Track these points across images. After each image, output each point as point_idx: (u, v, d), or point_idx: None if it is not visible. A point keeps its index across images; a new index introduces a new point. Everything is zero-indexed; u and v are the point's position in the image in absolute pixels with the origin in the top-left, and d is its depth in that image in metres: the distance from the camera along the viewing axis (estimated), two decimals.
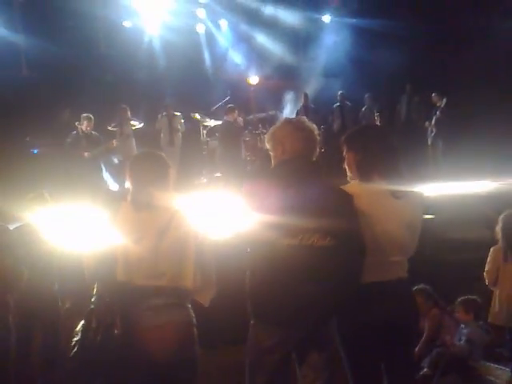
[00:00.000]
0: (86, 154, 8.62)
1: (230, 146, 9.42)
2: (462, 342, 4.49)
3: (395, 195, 2.65)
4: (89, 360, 2.50)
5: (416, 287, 4.79)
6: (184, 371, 2.68)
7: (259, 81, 12.45)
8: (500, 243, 4.34)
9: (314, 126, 2.76)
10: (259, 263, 2.50)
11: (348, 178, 2.79)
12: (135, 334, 2.57)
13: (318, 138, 2.73)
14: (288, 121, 2.77)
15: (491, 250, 4.40)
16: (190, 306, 2.76)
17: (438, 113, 9.89)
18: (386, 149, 2.71)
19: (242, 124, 9.47)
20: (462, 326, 4.65)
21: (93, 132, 8.84)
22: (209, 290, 2.80)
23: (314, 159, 2.68)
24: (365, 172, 2.69)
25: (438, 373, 4.34)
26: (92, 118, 8.78)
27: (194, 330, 2.74)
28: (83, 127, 8.69)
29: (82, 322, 2.55)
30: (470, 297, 4.65)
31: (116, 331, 2.52)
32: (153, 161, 2.85)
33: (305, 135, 2.65)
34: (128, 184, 2.87)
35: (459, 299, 4.68)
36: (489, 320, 4.38)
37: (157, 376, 2.60)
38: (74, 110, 9.71)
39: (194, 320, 2.76)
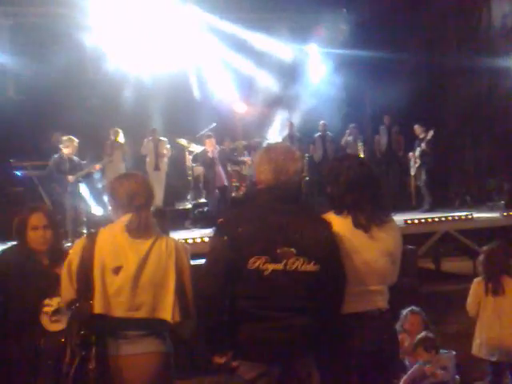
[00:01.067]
0: (70, 177, 8.48)
1: (207, 174, 9.49)
2: (442, 371, 4.47)
3: (363, 229, 2.63)
4: None
5: (412, 308, 4.81)
6: None
7: (246, 108, 12.56)
8: (481, 276, 4.36)
9: (294, 154, 2.64)
10: (242, 293, 2.44)
11: None
12: (110, 364, 2.48)
13: (297, 166, 2.62)
14: (262, 151, 2.68)
15: (474, 281, 4.43)
16: (167, 335, 2.67)
17: (422, 144, 9.96)
18: (353, 185, 2.67)
19: (215, 154, 9.35)
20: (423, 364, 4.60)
21: (74, 156, 8.65)
22: (188, 322, 2.69)
23: (292, 187, 2.58)
24: (335, 205, 2.71)
25: None
26: (76, 141, 8.65)
27: (171, 360, 2.67)
28: (69, 150, 8.45)
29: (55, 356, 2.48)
30: (427, 335, 4.63)
31: (90, 366, 2.41)
32: (138, 182, 2.69)
33: (274, 167, 2.55)
34: (110, 207, 2.74)
35: (417, 339, 4.62)
36: (472, 352, 4.37)
37: None
38: (61, 134, 9.67)
39: (171, 349, 2.68)
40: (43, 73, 10.19)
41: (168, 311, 2.56)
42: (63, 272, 2.61)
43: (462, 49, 11.78)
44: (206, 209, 9.73)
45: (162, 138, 10.42)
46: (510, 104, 10.83)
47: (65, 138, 8.55)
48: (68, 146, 8.45)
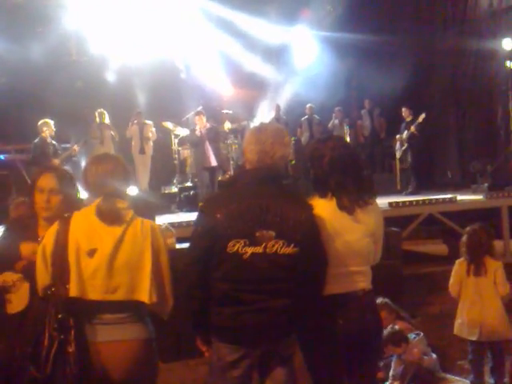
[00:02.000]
0: (56, 161, 8.39)
1: (195, 154, 9.35)
2: (425, 356, 4.54)
3: (346, 211, 2.64)
4: (41, 379, 2.38)
5: (377, 301, 4.83)
6: None
7: (233, 91, 12.49)
8: (464, 256, 4.42)
9: (284, 138, 2.60)
10: (221, 276, 2.44)
11: None
12: (90, 350, 2.47)
13: (285, 151, 2.59)
14: (252, 130, 2.68)
15: (456, 262, 4.48)
16: (148, 319, 2.66)
17: (412, 127, 9.93)
18: (337, 166, 2.65)
19: (203, 132, 8.98)
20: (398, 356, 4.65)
21: (53, 140, 8.69)
22: (166, 303, 2.68)
23: (276, 170, 2.57)
24: (319, 188, 2.70)
25: None
26: (52, 123, 8.63)
27: (153, 345, 2.65)
28: (48, 133, 8.49)
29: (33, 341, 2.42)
30: (392, 330, 4.67)
31: (70, 349, 2.39)
32: (107, 169, 2.63)
33: (260, 149, 2.54)
34: (85, 190, 2.70)
35: (384, 337, 4.66)
36: (454, 332, 4.44)
37: None
38: (41, 117, 9.58)
39: (153, 334, 2.66)
40: (26, 55, 10.02)
41: (145, 292, 2.54)
42: (38, 257, 2.57)
43: (449, 30, 11.78)
44: (191, 192, 9.72)
45: (147, 122, 10.34)
46: (495, 86, 10.87)
47: (40, 122, 8.54)
48: (46, 130, 8.47)
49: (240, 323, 2.43)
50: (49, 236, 2.58)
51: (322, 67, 12.12)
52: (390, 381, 4.48)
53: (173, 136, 10.66)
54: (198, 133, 8.96)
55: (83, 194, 2.92)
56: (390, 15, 11.94)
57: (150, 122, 10.36)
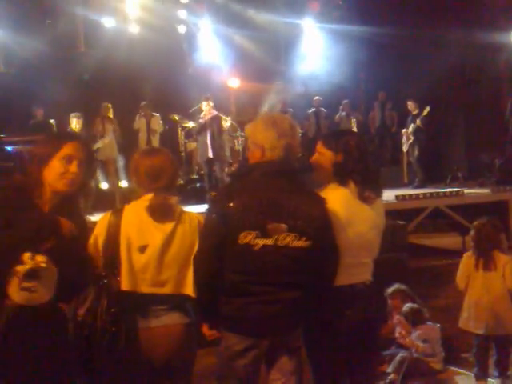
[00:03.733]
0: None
1: (199, 143, 9.30)
2: (423, 344, 4.57)
3: (366, 201, 2.67)
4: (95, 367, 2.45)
5: (393, 288, 4.86)
6: (183, 370, 2.69)
7: (239, 84, 12.48)
8: (472, 250, 4.41)
9: (296, 128, 2.63)
10: (232, 267, 2.46)
11: (316, 177, 2.78)
12: (139, 338, 2.53)
13: (299, 141, 2.66)
14: (268, 127, 2.56)
15: (464, 256, 4.47)
16: (190, 305, 2.69)
17: (417, 121, 9.88)
18: (363, 155, 2.69)
19: (208, 118, 8.90)
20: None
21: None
22: None
23: (292, 163, 2.58)
24: (341, 175, 2.68)
25: (400, 377, 4.38)
26: (82, 117, 8.82)
27: (193, 328, 2.69)
28: (80, 127, 8.70)
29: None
30: (412, 306, 4.72)
31: (121, 341, 2.43)
32: (158, 162, 2.62)
33: (286, 144, 2.53)
34: (133, 184, 2.68)
35: (403, 310, 4.74)
36: (459, 325, 4.44)
37: (157, 375, 2.61)
38: (49, 109, 9.62)
39: (194, 319, 2.70)
40: (34, 47, 10.06)
41: (192, 287, 2.58)
42: (90, 246, 2.58)
43: (458, 23, 11.69)
44: (198, 185, 9.72)
45: (154, 114, 10.35)
46: (504, 79, 10.81)
47: (72, 115, 8.77)
48: (77, 123, 8.68)
49: (248, 314, 2.45)
50: (101, 227, 2.58)
51: (329, 60, 12.08)
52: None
53: (180, 128, 10.65)
54: (201, 120, 8.90)
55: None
56: (399, 8, 11.86)
57: (157, 115, 10.37)
